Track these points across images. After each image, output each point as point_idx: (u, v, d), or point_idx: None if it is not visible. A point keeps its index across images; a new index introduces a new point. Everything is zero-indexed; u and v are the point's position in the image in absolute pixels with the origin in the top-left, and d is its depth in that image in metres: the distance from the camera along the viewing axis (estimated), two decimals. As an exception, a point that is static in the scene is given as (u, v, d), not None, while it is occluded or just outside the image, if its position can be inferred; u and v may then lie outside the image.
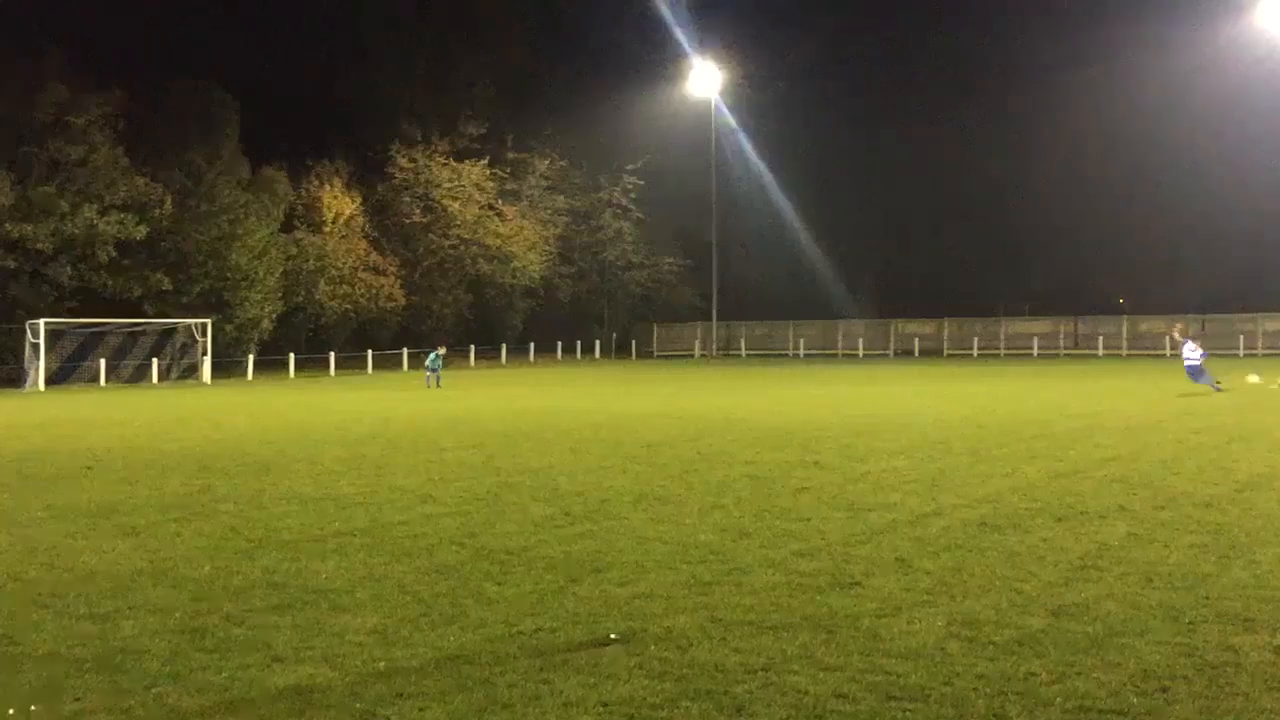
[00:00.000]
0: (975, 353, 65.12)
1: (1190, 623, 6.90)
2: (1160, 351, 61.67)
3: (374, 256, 61.81)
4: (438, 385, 38.74)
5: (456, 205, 64.55)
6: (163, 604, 7.73)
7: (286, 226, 57.13)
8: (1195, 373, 28.04)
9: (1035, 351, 64.74)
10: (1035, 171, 74.42)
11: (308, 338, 58.10)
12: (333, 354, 55.10)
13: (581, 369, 56.42)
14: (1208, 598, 7.49)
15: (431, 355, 40.76)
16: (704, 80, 68.32)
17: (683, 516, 10.85)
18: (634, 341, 75.03)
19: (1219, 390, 27.24)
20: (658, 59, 70.57)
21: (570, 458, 15.86)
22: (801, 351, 71.76)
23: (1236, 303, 64.03)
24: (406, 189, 64.57)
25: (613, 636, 6.61)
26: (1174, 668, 6.08)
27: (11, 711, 5.67)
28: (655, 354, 75.00)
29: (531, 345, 66.86)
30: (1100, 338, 65.47)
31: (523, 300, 70.20)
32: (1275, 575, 8.12)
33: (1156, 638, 6.61)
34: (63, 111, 46.12)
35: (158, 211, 48.18)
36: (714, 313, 71.06)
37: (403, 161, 63.91)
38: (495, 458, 15.96)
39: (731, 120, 72.27)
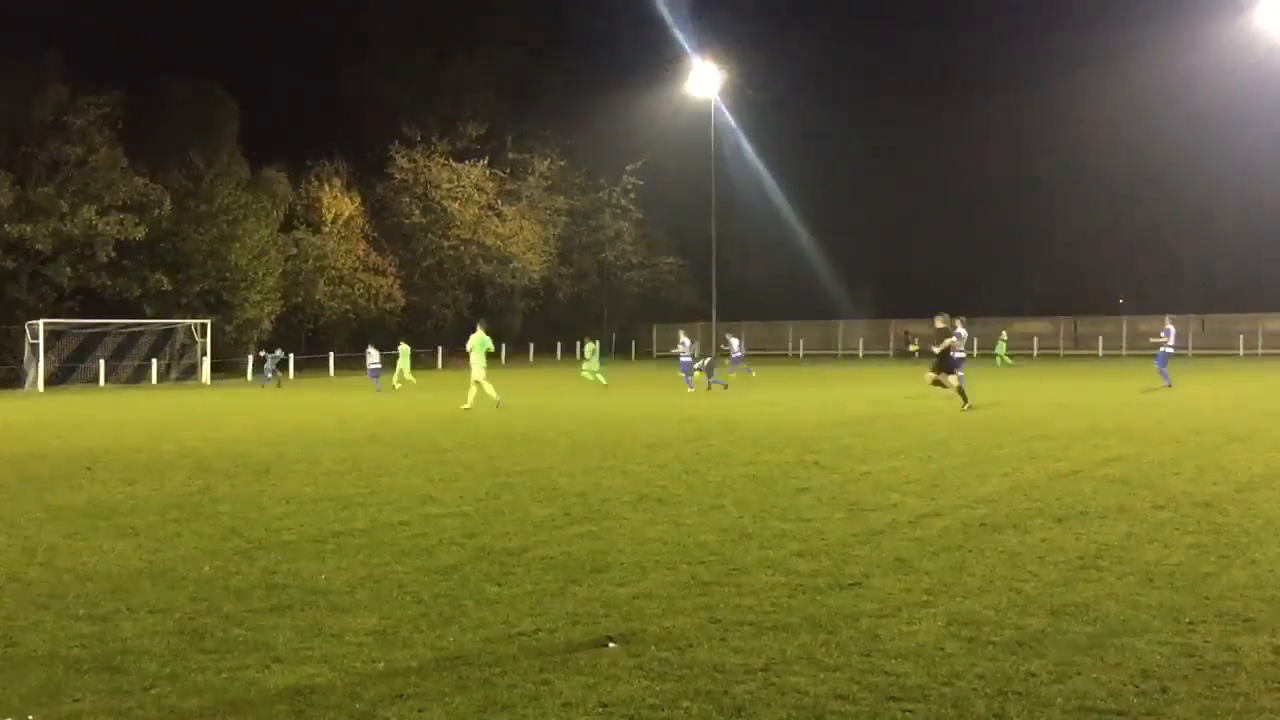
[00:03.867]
0: (975, 353, 65.07)
1: (1190, 623, 6.89)
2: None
3: (373, 257, 61.81)
4: (277, 385, 41.01)
5: (456, 206, 64.58)
6: (162, 604, 7.72)
7: (286, 227, 57.16)
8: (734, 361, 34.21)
9: (1035, 351, 64.74)
10: (1034, 172, 74.40)
11: (307, 338, 58.09)
12: (332, 354, 55.04)
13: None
14: (1208, 598, 7.48)
15: (276, 355, 42.82)
16: (704, 80, 68.25)
17: (683, 517, 10.83)
18: (633, 342, 74.94)
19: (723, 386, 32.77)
20: (658, 59, 70.66)
21: (570, 458, 15.85)
22: (801, 351, 71.69)
23: (1235, 303, 64.03)
24: (406, 189, 64.57)
25: (611, 644, 6.58)
26: (1174, 668, 6.06)
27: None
28: (654, 354, 74.95)
29: (531, 346, 66.83)
30: (1100, 338, 65.48)
31: (522, 301, 70.22)
32: (1275, 575, 8.11)
33: (1156, 638, 6.59)
34: (62, 112, 46.14)
35: (157, 212, 48.19)
36: (714, 313, 71.07)
37: (402, 162, 63.92)
38: (495, 458, 15.94)
39: (731, 120, 72.25)
